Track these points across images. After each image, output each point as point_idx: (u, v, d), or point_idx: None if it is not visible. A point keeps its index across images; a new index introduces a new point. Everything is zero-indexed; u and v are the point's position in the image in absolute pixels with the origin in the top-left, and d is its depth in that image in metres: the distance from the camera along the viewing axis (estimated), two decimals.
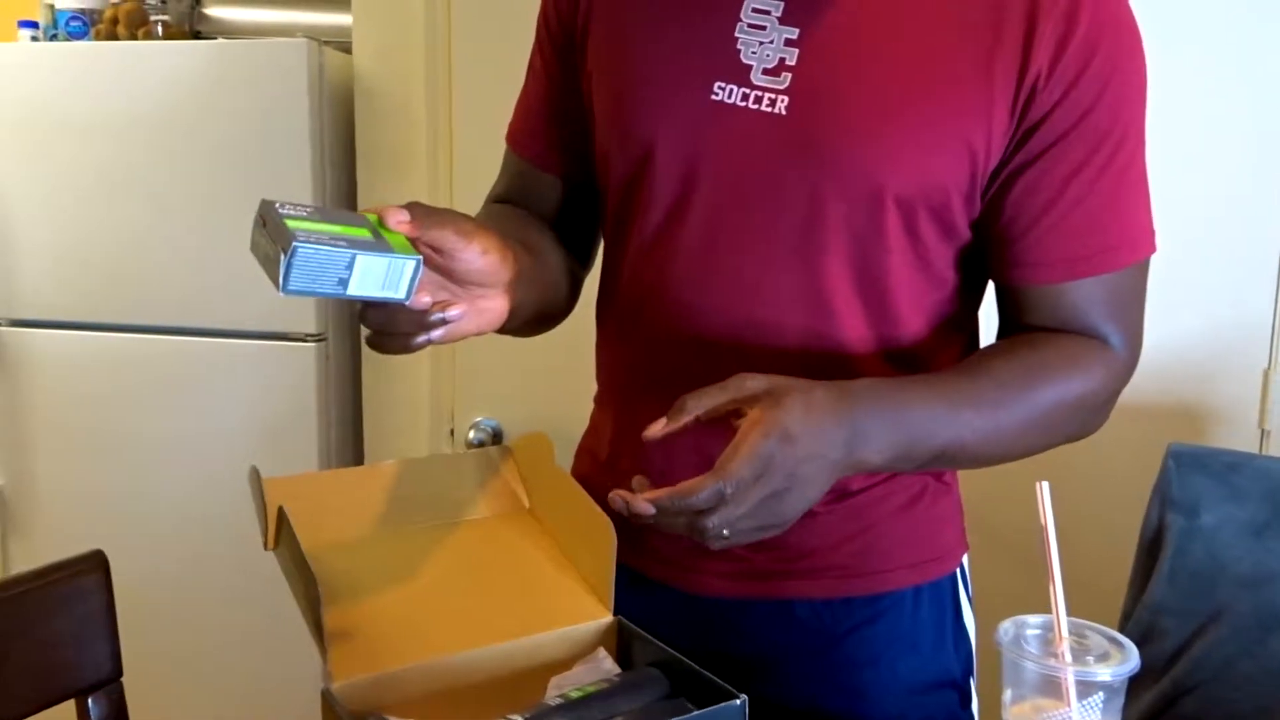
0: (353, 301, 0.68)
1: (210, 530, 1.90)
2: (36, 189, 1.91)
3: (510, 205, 1.02)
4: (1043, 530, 0.69)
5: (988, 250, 0.86)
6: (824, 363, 0.85)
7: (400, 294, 0.67)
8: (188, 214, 1.85)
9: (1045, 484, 0.70)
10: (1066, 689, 0.67)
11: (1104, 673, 0.67)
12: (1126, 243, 0.83)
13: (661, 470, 0.92)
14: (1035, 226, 0.82)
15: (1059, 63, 0.78)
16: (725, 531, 0.70)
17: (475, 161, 1.80)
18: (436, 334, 0.73)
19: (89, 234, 1.90)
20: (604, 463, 0.99)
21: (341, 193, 1.88)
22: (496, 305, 0.80)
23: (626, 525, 0.90)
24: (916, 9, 0.81)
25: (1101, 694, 0.67)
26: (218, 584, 1.92)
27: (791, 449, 0.70)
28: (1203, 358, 1.50)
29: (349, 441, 1.96)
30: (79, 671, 0.81)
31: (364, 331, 0.76)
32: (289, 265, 0.61)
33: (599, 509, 0.84)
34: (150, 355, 1.91)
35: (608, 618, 0.87)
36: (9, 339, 1.97)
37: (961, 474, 0.98)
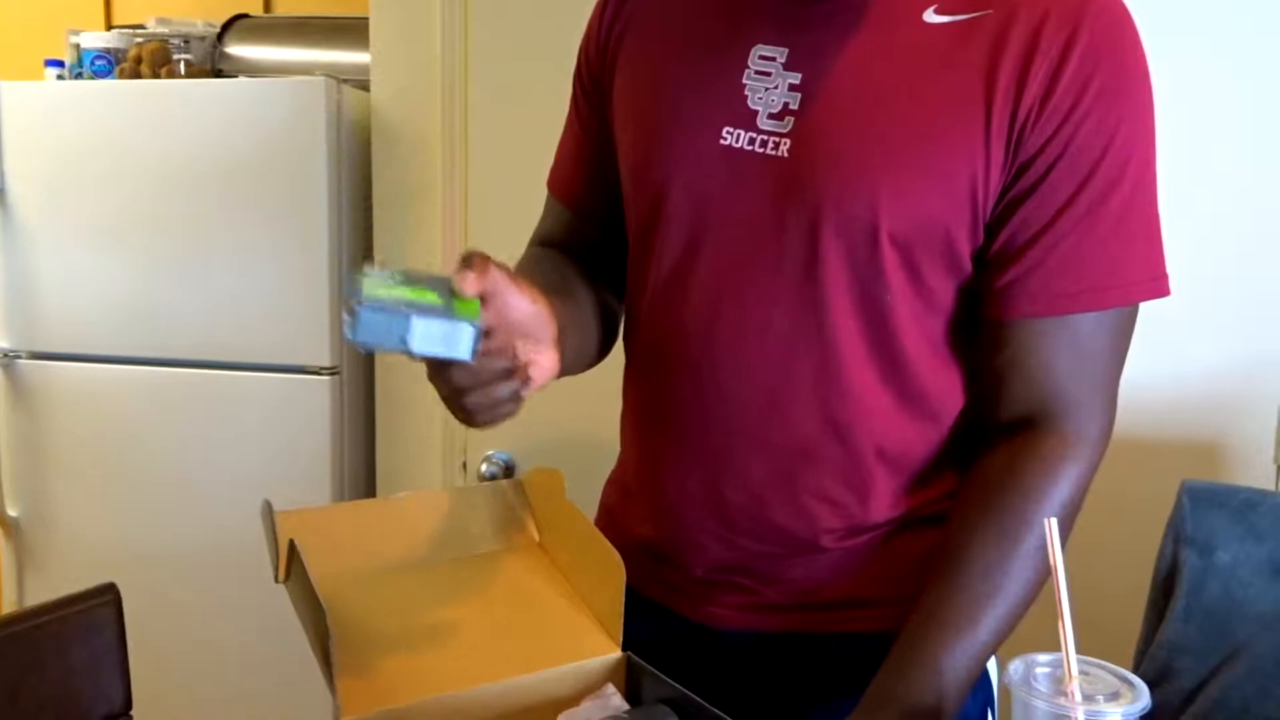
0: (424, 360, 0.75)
1: (223, 562, 1.90)
2: (59, 224, 1.94)
3: (547, 249, 1.04)
4: (1052, 567, 0.69)
5: (979, 284, 0.85)
6: (832, 397, 0.86)
7: (462, 355, 0.73)
8: (206, 248, 1.88)
9: (1054, 520, 0.70)
10: None
11: (1114, 713, 0.67)
12: (1116, 284, 0.82)
13: (673, 506, 0.93)
14: (1022, 257, 0.82)
15: (1052, 94, 0.79)
16: None
17: (490, 199, 1.82)
18: (522, 390, 0.78)
19: (109, 268, 1.93)
20: (628, 494, 0.99)
21: (358, 228, 1.91)
22: (548, 359, 0.82)
23: (639, 555, 0.91)
24: (917, 51, 0.82)
25: None
26: (230, 616, 1.93)
27: None
28: (1218, 394, 1.49)
29: (362, 473, 1.96)
30: (91, 704, 0.82)
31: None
32: (355, 323, 0.70)
33: (609, 544, 0.85)
34: (166, 387, 1.93)
35: (617, 653, 0.86)
36: (28, 372, 1.99)
37: None
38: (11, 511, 2.02)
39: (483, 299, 0.75)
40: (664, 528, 0.94)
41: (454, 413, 0.79)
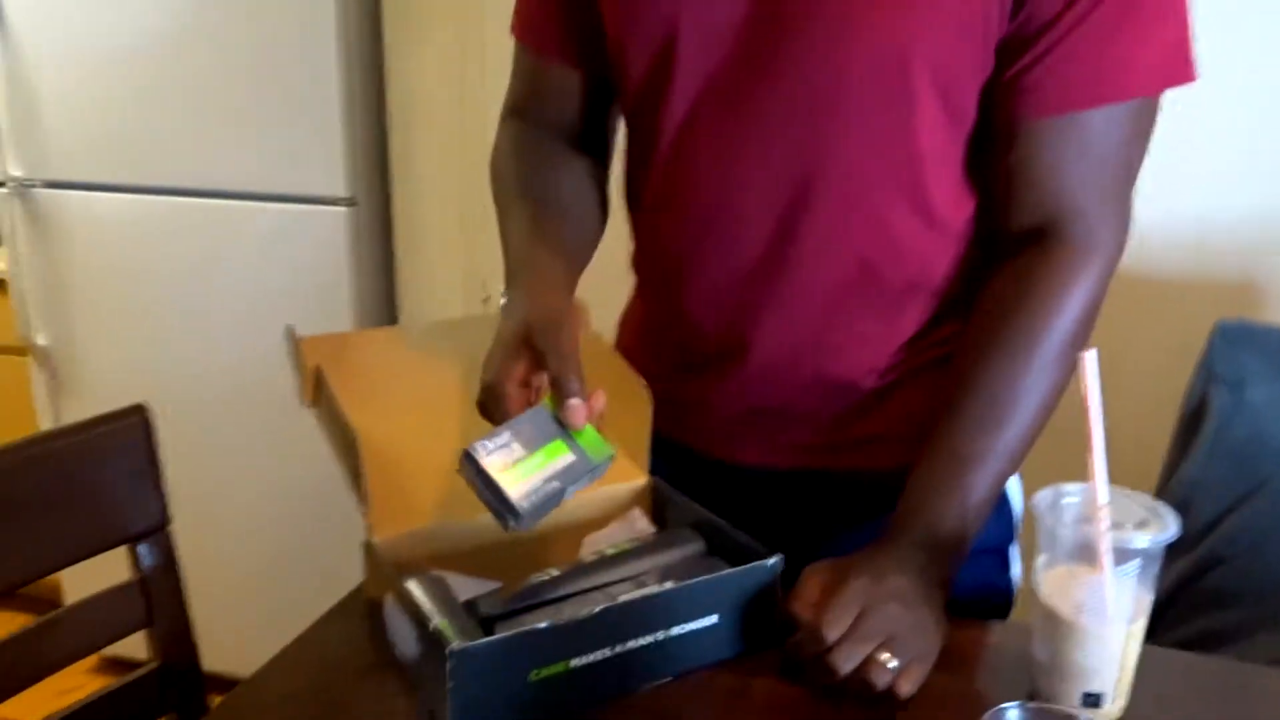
0: None
1: (251, 386, 1.92)
2: (69, 49, 1.88)
3: (527, 138, 0.97)
4: (1085, 398, 0.68)
5: (993, 85, 0.80)
6: (863, 231, 0.83)
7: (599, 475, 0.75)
8: (221, 75, 1.82)
9: (1093, 353, 0.68)
10: (1102, 556, 0.67)
11: (1141, 540, 0.67)
12: (1135, 73, 0.77)
13: (699, 355, 0.92)
14: (1032, 49, 0.76)
15: None
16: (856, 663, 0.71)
17: (507, 14, 1.74)
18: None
19: (120, 95, 1.87)
20: (648, 342, 0.98)
21: (368, 52, 1.84)
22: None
23: (669, 397, 0.90)
24: None
25: (1138, 561, 0.67)
26: (258, 438, 1.97)
27: (855, 576, 0.74)
28: (1253, 234, 1.45)
29: (383, 306, 1.96)
30: (129, 520, 0.83)
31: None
32: (520, 524, 0.71)
33: (635, 373, 0.84)
34: (185, 218, 1.90)
35: (643, 479, 0.87)
36: (44, 201, 1.97)
37: None
38: (40, 340, 2.04)
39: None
40: (688, 376, 0.93)
41: None
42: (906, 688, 0.70)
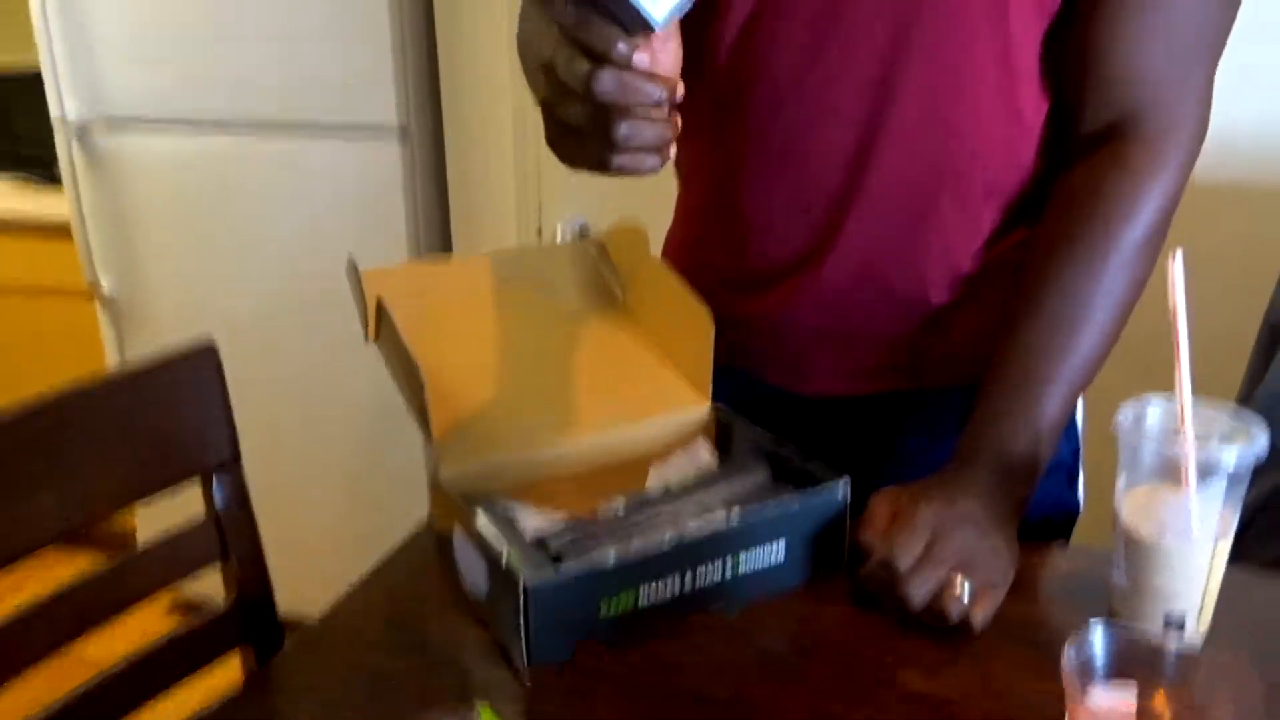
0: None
1: (314, 322, 1.94)
2: None
3: None
4: (1172, 306, 0.65)
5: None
6: (950, 132, 0.79)
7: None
8: (271, 5, 1.81)
9: (1180, 255, 0.65)
10: (1186, 473, 0.64)
11: (1228, 455, 0.64)
12: None
13: (768, 278, 0.89)
14: None
15: None
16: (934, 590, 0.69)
17: None
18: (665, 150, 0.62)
19: (173, 28, 1.87)
20: (707, 265, 0.94)
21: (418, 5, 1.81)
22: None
23: (729, 325, 0.88)
24: None
25: (1224, 481, 0.65)
26: (324, 374, 1.99)
27: (925, 501, 0.73)
28: None
29: (436, 235, 1.95)
30: (201, 453, 0.85)
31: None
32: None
33: (696, 297, 0.83)
34: (240, 153, 1.91)
35: (706, 405, 0.86)
36: (102, 143, 1.98)
37: None
38: (104, 283, 2.07)
39: None
40: (753, 295, 0.91)
41: (589, 151, 0.62)
42: (980, 617, 0.69)
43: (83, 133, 1.97)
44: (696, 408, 0.87)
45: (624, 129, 0.59)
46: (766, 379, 0.94)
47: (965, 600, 0.68)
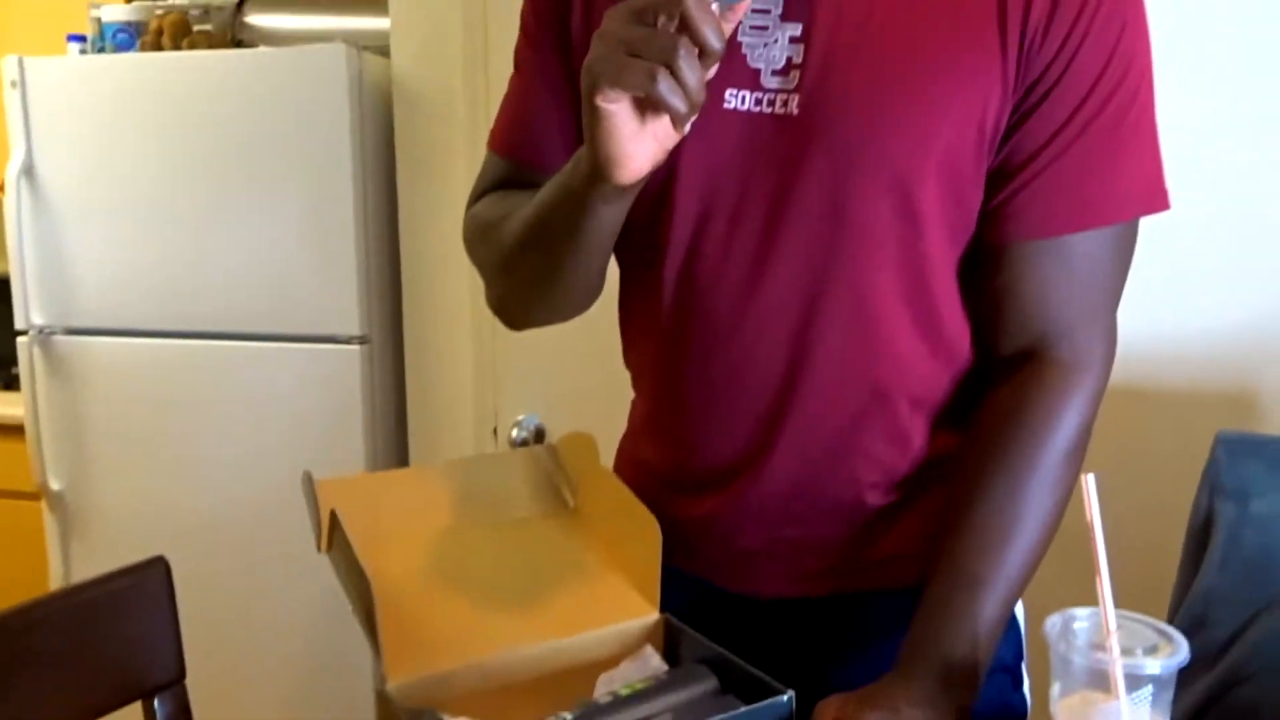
0: None
1: (263, 530, 1.94)
2: (87, 199, 1.96)
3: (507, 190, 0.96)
4: (1089, 523, 0.69)
5: (981, 211, 0.84)
6: (869, 352, 0.85)
7: None
8: (233, 219, 1.89)
9: (1092, 476, 0.70)
10: (1115, 681, 0.67)
11: (1153, 665, 0.67)
12: (1115, 198, 0.81)
13: (713, 484, 0.93)
14: (1019, 176, 0.81)
15: (1055, 10, 0.78)
16: None
17: None
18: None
19: (137, 242, 1.94)
20: (656, 474, 0.98)
21: (382, 194, 1.91)
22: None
23: (675, 530, 0.91)
24: None
25: (1150, 686, 0.67)
26: (272, 582, 1.96)
27: (870, 710, 0.74)
28: (1250, 344, 1.47)
29: (394, 440, 1.98)
30: (145, 673, 0.84)
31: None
32: None
33: (643, 507, 0.85)
34: (198, 360, 1.95)
35: (654, 615, 0.88)
36: (62, 347, 2.01)
37: None
38: (54, 485, 2.06)
39: None
40: (700, 506, 0.94)
41: (637, 71, 0.67)
42: None
43: (45, 338, 2.01)
44: (645, 616, 0.88)
45: (683, 54, 0.65)
46: (714, 581, 0.96)
47: None
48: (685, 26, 0.67)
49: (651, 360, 0.95)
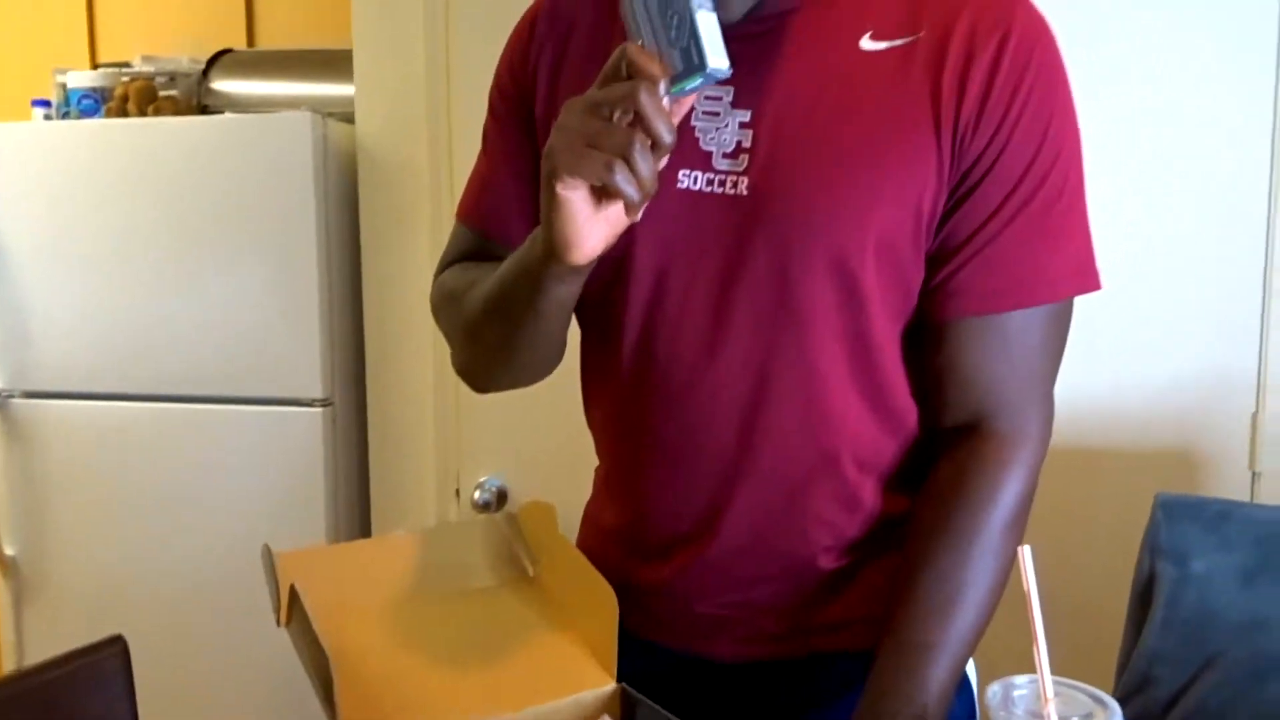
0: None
1: (221, 598, 1.92)
2: (50, 264, 1.96)
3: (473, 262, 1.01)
4: (1026, 593, 0.72)
5: (921, 290, 0.88)
6: (819, 421, 0.88)
7: (721, 65, 0.74)
8: (197, 284, 1.90)
9: (1027, 549, 0.72)
10: None
11: None
12: (1048, 279, 0.85)
13: (669, 547, 0.96)
14: (956, 256, 0.85)
15: (989, 96, 0.82)
16: None
17: None
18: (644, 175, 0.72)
19: (100, 306, 1.95)
20: (616, 537, 1.01)
21: (346, 258, 1.93)
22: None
23: (629, 594, 0.93)
24: (859, 77, 0.84)
25: None
26: (230, 651, 1.94)
27: None
28: (1190, 404, 1.53)
29: (356, 502, 1.98)
30: None
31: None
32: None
33: (601, 577, 0.87)
34: (160, 422, 1.94)
35: (611, 685, 0.89)
36: (22, 410, 2.00)
37: None
38: (9, 550, 2.03)
39: None
40: (659, 569, 0.96)
41: (594, 162, 0.72)
42: None
43: (3, 401, 1.99)
44: (602, 687, 0.89)
45: (638, 148, 0.71)
46: (673, 646, 0.97)
47: None
48: (639, 120, 0.71)
49: (610, 423, 0.99)
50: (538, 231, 0.80)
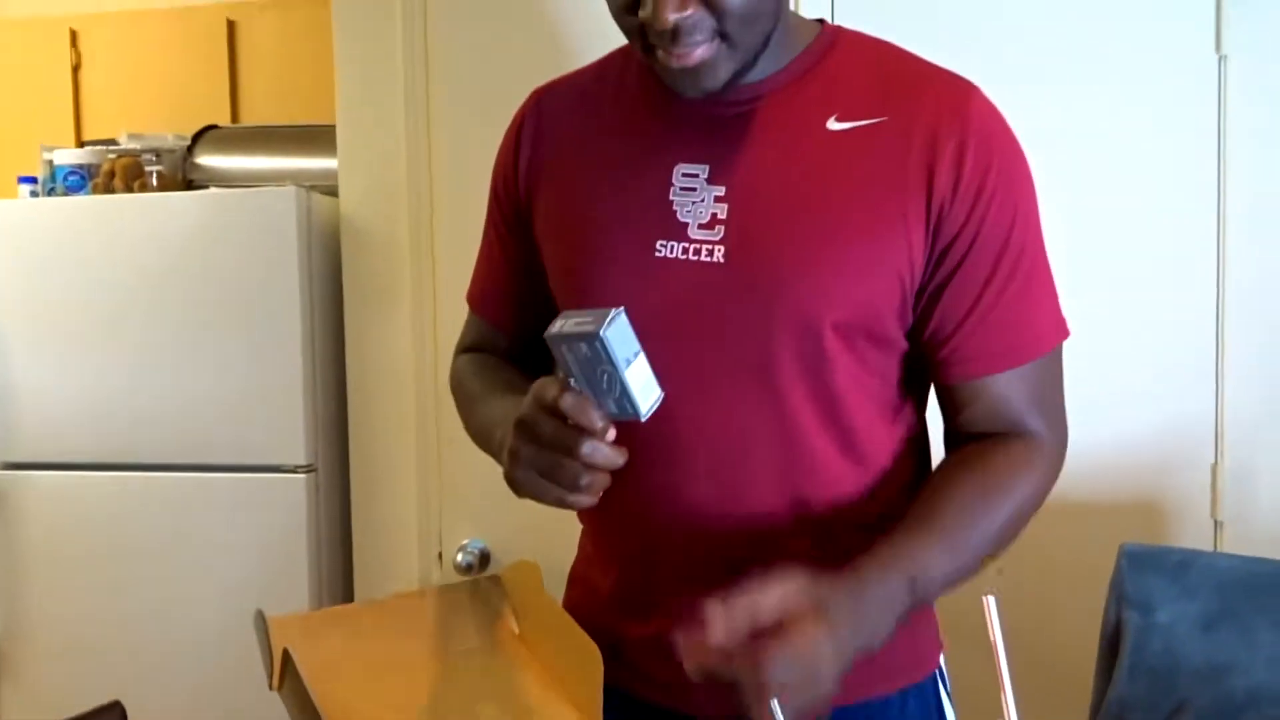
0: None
1: (209, 663, 1.91)
2: (35, 338, 1.98)
3: (484, 354, 1.12)
4: (992, 643, 0.75)
5: (924, 355, 0.95)
6: (796, 475, 0.93)
7: (645, 406, 0.81)
8: (183, 355, 1.92)
9: (992, 599, 0.76)
10: None
11: None
12: (1038, 336, 0.94)
13: (654, 600, 0.98)
14: (958, 331, 0.92)
15: (958, 187, 0.89)
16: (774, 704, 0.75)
17: (459, 298, 1.87)
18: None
19: (85, 379, 1.96)
20: (602, 595, 1.04)
21: (329, 329, 1.96)
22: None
23: (618, 650, 0.96)
24: (827, 156, 0.91)
25: None
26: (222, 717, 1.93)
27: (826, 648, 0.78)
28: (1152, 455, 1.57)
29: (339, 566, 1.99)
30: None
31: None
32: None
33: (585, 635, 0.90)
34: (143, 492, 1.95)
35: None
36: (4, 482, 2.00)
37: None
38: None
39: None
40: (646, 625, 0.99)
41: (549, 490, 0.84)
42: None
43: None
44: None
45: (585, 479, 0.81)
46: (661, 703, 1.00)
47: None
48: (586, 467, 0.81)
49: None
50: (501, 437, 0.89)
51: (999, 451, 0.94)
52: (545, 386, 0.82)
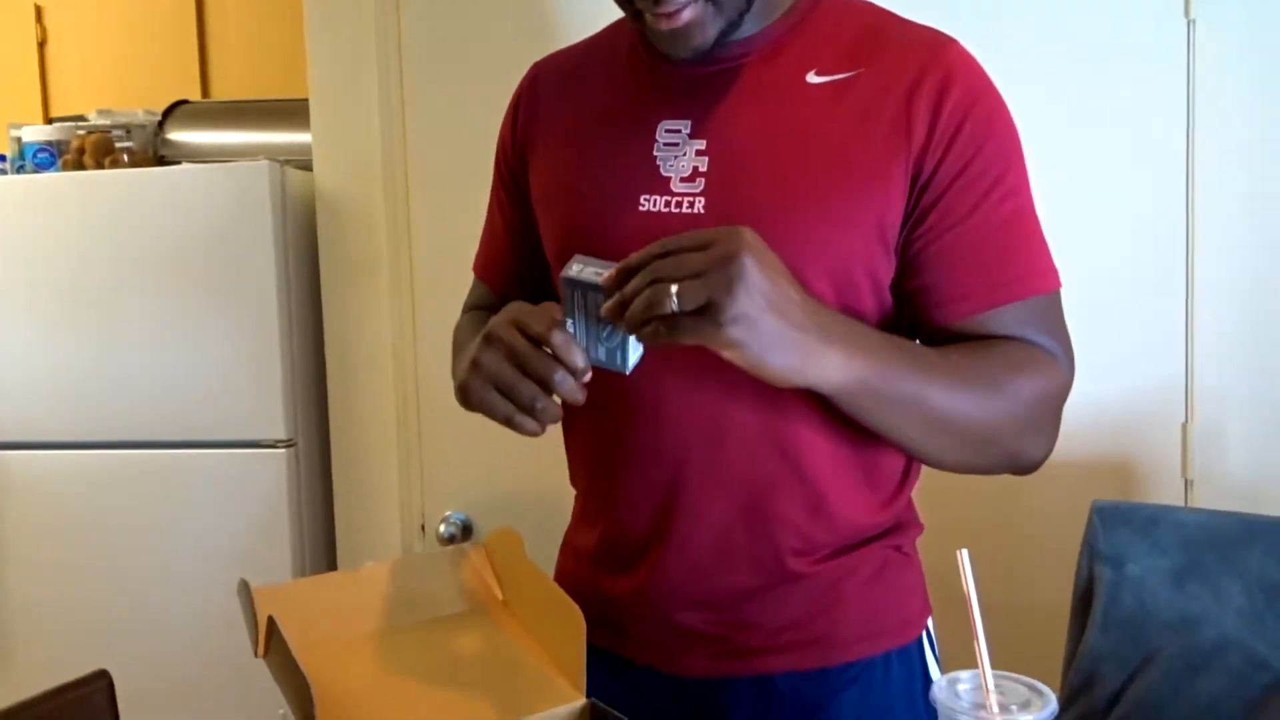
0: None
1: (195, 638, 1.92)
2: (10, 318, 1.96)
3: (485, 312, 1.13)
4: (965, 595, 0.77)
5: (914, 302, 0.94)
6: (779, 427, 0.94)
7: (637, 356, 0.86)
8: (158, 332, 1.91)
9: (965, 552, 0.78)
10: None
11: (1026, 719, 0.75)
12: (1033, 274, 0.93)
13: (641, 554, 1.00)
14: (946, 268, 0.91)
15: (934, 130, 0.89)
16: (673, 289, 0.75)
17: (435, 269, 1.89)
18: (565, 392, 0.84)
19: (60, 357, 1.95)
20: (590, 553, 1.06)
21: (307, 302, 1.96)
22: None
23: (605, 613, 0.97)
24: (806, 108, 0.92)
25: None
26: (207, 691, 1.94)
27: (739, 238, 0.78)
28: (1125, 416, 1.60)
29: (321, 540, 2.00)
30: None
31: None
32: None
33: (568, 598, 0.91)
34: (124, 470, 1.95)
35: (581, 700, 0.93)
36: None
37: (921, 544, 1.06)
38: None
39: None
40: (630, 578, 1.01)
41: (501, 407, 0.86)
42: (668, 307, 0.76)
43: None
44: (572, 703, 0.93)
45: (541, 402, 0.84)
46: (645, 662, 1.02)
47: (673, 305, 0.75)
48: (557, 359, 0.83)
49: (584, 440, 1.06)
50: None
51: (1017, 344, 0.93)
52: (529, 314, 0.85)
